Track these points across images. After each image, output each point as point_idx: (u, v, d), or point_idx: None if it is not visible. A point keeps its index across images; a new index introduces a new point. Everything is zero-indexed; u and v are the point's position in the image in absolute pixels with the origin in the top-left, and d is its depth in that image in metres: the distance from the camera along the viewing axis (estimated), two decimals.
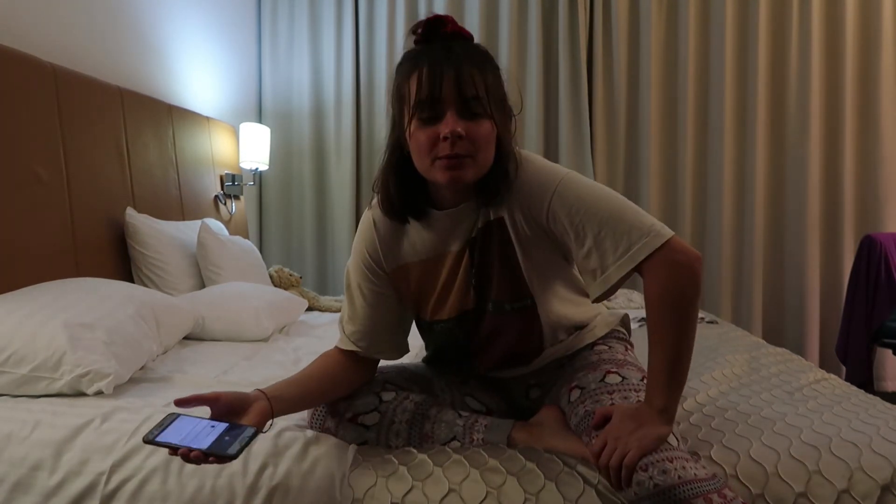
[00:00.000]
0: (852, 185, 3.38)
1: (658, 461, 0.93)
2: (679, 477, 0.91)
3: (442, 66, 1.00)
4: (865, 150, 3.37)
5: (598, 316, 1.31)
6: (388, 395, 1.19)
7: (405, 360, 1.40)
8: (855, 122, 3.37)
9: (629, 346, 1.29)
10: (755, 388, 1.47)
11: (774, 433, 1.16)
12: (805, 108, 3.33)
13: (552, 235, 1.10)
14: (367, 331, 1.19)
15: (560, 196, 1.06)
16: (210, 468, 1.10)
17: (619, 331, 1.32)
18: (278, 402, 1.06)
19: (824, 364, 3.36)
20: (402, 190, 1.11)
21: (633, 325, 2.36)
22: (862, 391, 1.44)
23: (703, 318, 2.45)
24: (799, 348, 3.36)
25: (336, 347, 1.21)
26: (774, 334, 3.44)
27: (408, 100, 1.03)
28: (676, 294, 1.00)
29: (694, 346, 1.01)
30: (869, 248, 2.85)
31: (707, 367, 1.65)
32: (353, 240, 1.23)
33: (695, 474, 0.92)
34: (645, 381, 1.12)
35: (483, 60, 1.04)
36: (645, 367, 1.16)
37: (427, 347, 1.35)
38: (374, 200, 1.18)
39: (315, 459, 1.11)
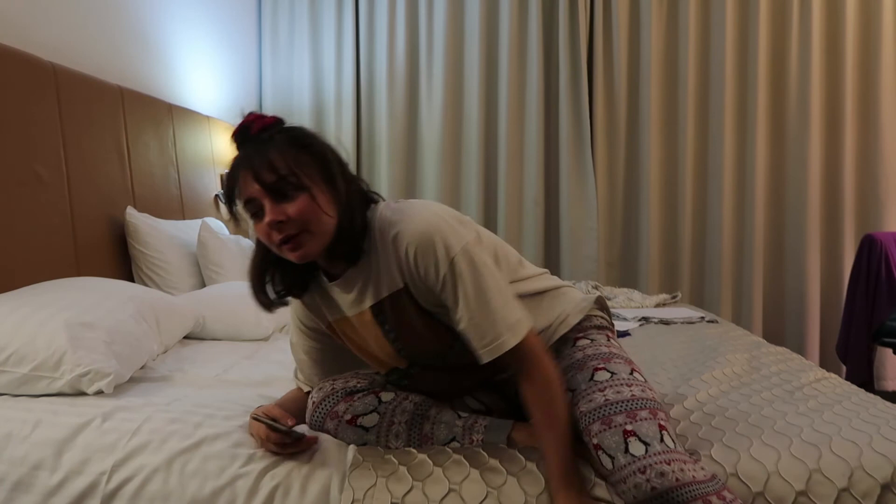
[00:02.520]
0: (852, 184, 3.38)
1: (655, 463, 0.93)
2: (677, 479, 0.91)
3: (241, 168, 1.05)
4: (866, 149, 3.37)
5: (562, 313, 1.24)
6: (387, 396, 1.19)
7: None
8: (855, 121, 3.37)
9: (611, 334, 1.25)
10: (755, 387, 1.47)
11: (775, 432, 1.16)
12: (805, 107, 3.33)
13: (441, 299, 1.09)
14: (322, 378, 1.28)
15: (451, 273, 1.05)
16: (213, 468, 1.12)
17: (597, 316, 1.27)
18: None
19: (825, 363, 3.36)
20: (285, 274, 1.16)
21: (633, 325, 2.37)
22: (862, 390, 1.44)
23: (703, 318, 2.45)
24: (799, 347, 3.36)
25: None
26: (775, 333, 3.44)
27: (236, 201, 1.08)
28: (541, 386, 1.05)
29: (569, 417, 1.06)
30: (869, 246, 2.85)
31: (707, 366, 1.65)
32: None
33: (693, 476, 0.91)
34: (635, 374, 1.11)
35: (286, 142, 1.05)
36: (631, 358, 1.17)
37: None
38: None
39: (315, 459, 1.11)
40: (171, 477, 1.11)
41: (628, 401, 1.03)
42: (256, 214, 1.05)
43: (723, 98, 3.39)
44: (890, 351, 3.17)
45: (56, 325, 1.41)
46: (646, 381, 1.11)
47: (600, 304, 1.30)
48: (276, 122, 1.09)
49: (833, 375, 1.56)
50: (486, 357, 1.05)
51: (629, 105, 3.53)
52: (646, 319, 2.45)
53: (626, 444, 0.97)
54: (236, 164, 1.06)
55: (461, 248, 1.05)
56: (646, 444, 0.96)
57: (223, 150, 3.14)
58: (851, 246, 3.33)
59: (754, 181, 3.38)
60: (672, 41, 3.48)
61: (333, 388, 1.20)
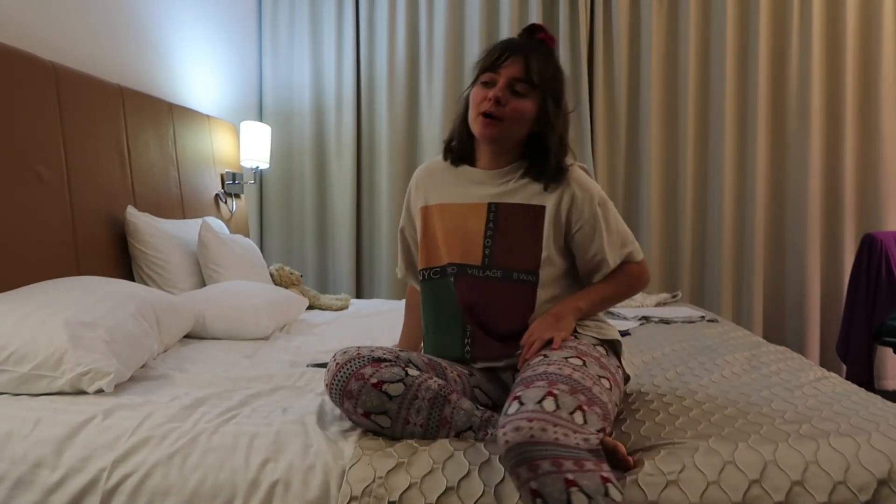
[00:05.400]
0: (853, 184, 3.38)
1: (516, 419, 0.95)
2: (531, 436, 0.93)
3: (511, 50, 1.30)
4: (866, 149, 3.37)
5: (597, 321, 1.36)
6: (413, 371, 1.19)
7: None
8: (855, 121, 3.37)
9: (611, 356, 1.30)
10: (755, 386, 1.47)
11: (774, 427, 1.17)
12: (805, 106, 3.33)
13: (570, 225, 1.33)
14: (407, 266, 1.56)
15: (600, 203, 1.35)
16: (213, 462, 1.12)
17: (611, 342, 1.34)
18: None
19: (825, 363, 3.36)
20: (462, 138, 1.39)
21: (633, 324, 2.37)
22: (862, 389, 1.44)
23: (703, 317, 2.45)
24: (799, 347, 3.36)
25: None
26: (775, 333, 3.44)
27: (480, 67, 1.32)
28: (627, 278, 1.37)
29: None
30: (869, 246, 2.85)
31: (707, 368, 1.65)
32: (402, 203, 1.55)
33: (555, 438, 0.93)
34: (604, 380, 1.14)
35: (546, 58, 1.32)
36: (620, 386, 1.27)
37: (423, 313, 1.43)
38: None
39: (316, 455, 1.12)
40: (172, 472, 1.11)
41: (555, 374, 1.07)
42: (487, 83, 1.30)
43: (723, 98, 3.39)
44: (890, 350, 3.17)
45: (56, 324, 1.41)
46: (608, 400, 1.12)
47: (616, 347, 1.37)
48: (553, 41, 1.38)
49: (833, 374, 1.56)
50: (612, 262, 1.34)
51: (629, 105, 3.53)
52: (646, 319, 2.45)
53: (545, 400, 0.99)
54: (515, 46, 1.31)
55: (600, 196, 1.36)
56: (522, 403, 0.99)
57: (223, 149, 3.15)
58: (851, 245, 3.33)
59: (754, 181, 3.38)
60: (672, 41, 3.48)
61: (359, 353, 1.19)
